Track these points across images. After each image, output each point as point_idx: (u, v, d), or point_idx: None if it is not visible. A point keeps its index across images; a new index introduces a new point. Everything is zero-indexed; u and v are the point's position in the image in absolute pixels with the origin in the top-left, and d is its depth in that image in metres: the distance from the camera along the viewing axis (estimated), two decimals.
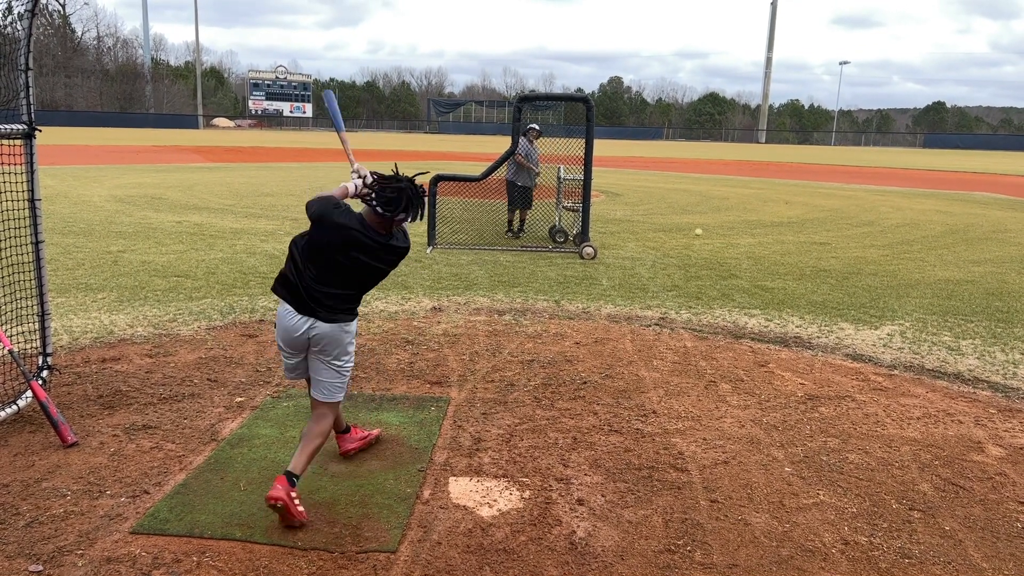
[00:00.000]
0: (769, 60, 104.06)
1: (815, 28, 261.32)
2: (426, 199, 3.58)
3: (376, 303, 7.52)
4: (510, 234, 12.23)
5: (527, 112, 11.99)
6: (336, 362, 3.58)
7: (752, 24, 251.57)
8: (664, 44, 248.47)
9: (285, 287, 3.53)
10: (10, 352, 4.43)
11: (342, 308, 3.52)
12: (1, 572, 2.99)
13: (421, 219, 3.60)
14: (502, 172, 11.60)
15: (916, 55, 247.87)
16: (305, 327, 3.48)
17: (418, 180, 3.52)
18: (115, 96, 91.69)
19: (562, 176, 11.49)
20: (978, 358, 6.29)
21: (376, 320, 6.92)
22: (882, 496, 3.86)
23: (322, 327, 3.48)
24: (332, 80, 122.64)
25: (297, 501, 3.37)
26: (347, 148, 4.07)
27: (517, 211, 12.31)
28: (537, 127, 11.94)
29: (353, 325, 3.60)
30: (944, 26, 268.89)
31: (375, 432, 4.28)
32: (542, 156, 12.07)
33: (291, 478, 3.39)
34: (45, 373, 4.75)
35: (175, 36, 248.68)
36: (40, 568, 3.02)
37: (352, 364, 3.68)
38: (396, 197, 3.40)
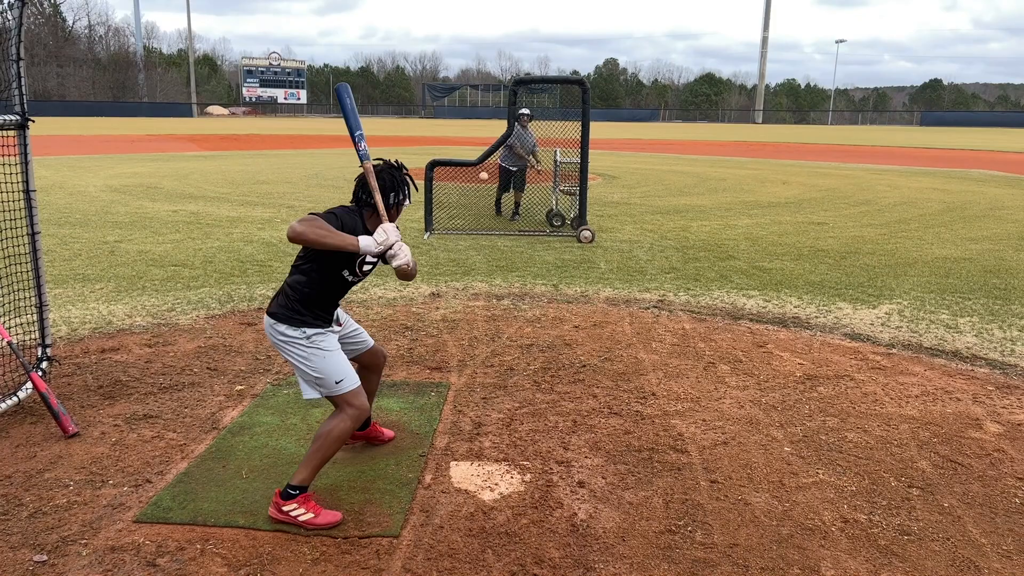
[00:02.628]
0: (765, 39, 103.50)
1: (803, 7, 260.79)
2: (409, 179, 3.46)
3: (375, 289, 7.52)
4: (499, 215, 12.42)
5: (523, 95, 11.94)
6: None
7: (741, 4, 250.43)
8: (655, 25, 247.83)
9: None
10: (9, 344, 4.43)
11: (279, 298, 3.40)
12: (6, 563, 3.00)
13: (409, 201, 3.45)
14: (497, 156, 11.59)
15: (904, 33, 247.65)
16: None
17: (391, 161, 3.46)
18: (108, 85, 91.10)
19: (559, 160, 11.46)
20: (976, 336, 6.31)
21: (375, 307, 6.92)
22: (881, 474, 3.88)
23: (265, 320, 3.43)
24: (326, 66, 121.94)
25: (301, 511, 3.27)
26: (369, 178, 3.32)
27: (506, 194, 12.49)
28: (528, 111, 11.91)
29: (287, 328, 3.33)
30: (930, 3, 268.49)
31: (389, 434, 4.14)
32: (539, 140, 12.06)
33: (285, 491, 3.31)
34: (45, 364, 4.75)
35: (167, 24, 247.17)
36: (44, 558, 3.03)
37: (306, 361, 3.34)
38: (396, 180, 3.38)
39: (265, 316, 3.43)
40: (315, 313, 3.36)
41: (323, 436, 3.31)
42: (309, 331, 3.33)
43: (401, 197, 3.38)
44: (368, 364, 3.83)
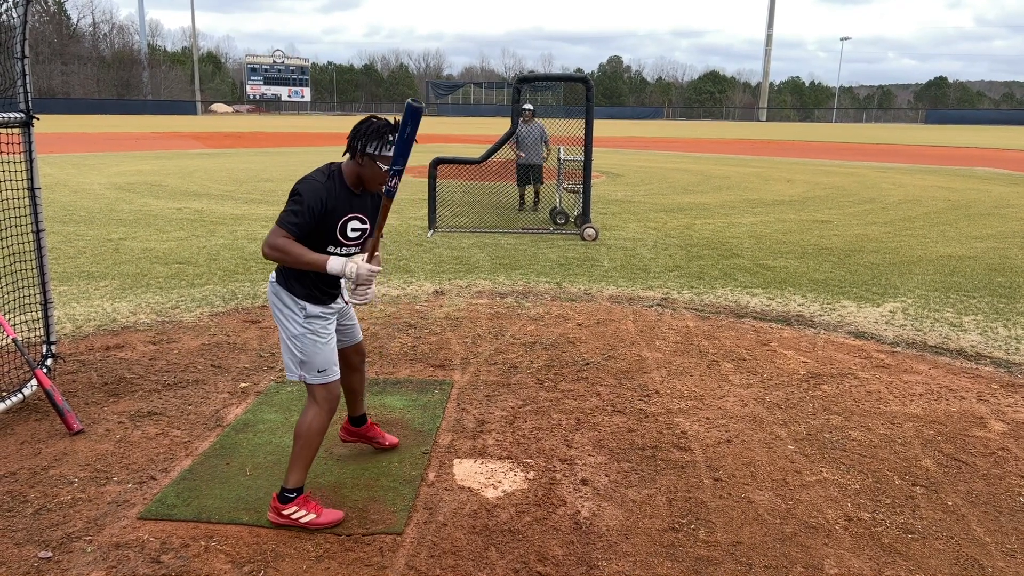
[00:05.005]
0: (769, 37, 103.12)
1: (806, 5, 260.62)
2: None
3: (378, 287, 7.52)
4: (522, 207, 12.82)
5: (526, 93, 11.96)
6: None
7: (745, 1, 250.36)
8: (659, 22, 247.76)
9: None
10: (14, 341, 4.44)
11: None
12: (11, 559, 3.01)
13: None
14: (505, 154, 11.62)
15: (908, 31, 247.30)
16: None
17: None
18: (112, 83, 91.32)
19: (562, 157, 11.46)
20: (980, 334, 6.29)
21: (378, 304, 6.93)
22: (885, 472, 3.87)
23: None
24: (330, 64, 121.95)
25: (301, 513, 3.24)
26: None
27: (528, 187, 12.79)
28: (530, 107, 12.08)
29: (287, 296, 3.22)
30: (933, 0, 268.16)
31: (391, 440, 4.02)
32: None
33: (282, 495, 3.26)
34: (49, 361, 4.77)
35: (171, 22, 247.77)
36: (49, 554, 3.04)
37: (296, 341, 3.24)
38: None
39: (271, 277, 3.30)
40: (317, 287, 3.23)
41: (302, 434, 3.27)
42: (309, 308, 3.22)
43: (376, 149, 3.13)
44: (351, 362, 3.68)
